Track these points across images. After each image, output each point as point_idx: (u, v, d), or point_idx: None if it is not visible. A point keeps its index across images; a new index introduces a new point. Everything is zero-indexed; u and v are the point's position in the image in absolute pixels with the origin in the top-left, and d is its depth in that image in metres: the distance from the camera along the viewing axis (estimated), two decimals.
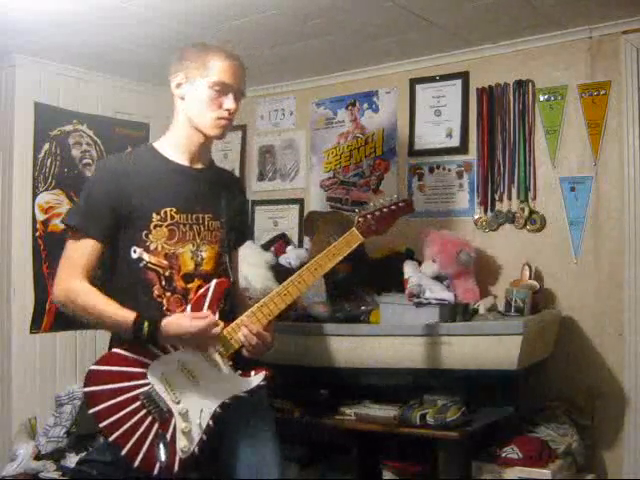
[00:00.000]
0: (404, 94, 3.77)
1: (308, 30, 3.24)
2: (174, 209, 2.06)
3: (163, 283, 2.03)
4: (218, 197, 2.15)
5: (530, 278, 3.21)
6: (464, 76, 3.58)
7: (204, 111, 2.09)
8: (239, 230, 2.26)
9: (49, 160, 3.76)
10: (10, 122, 3.62)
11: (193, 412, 1.97)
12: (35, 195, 3.69)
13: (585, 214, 3.25)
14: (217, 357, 2.01)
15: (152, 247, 2.03)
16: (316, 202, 4.03)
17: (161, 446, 1.90)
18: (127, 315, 1.96)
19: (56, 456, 3.48)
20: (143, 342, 1.96)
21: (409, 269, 3.15)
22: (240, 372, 2.03)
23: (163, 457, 1.90)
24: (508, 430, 2.95)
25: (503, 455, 2.82)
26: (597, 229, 3.22)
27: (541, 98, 3.37)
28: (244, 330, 2.01)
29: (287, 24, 3.17)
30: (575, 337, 3.22)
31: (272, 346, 2.09)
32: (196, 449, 1.96)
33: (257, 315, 2.04)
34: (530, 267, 3.24)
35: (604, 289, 3.19)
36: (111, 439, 1.97)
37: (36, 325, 3.68)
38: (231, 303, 2.17)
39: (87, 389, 2.00)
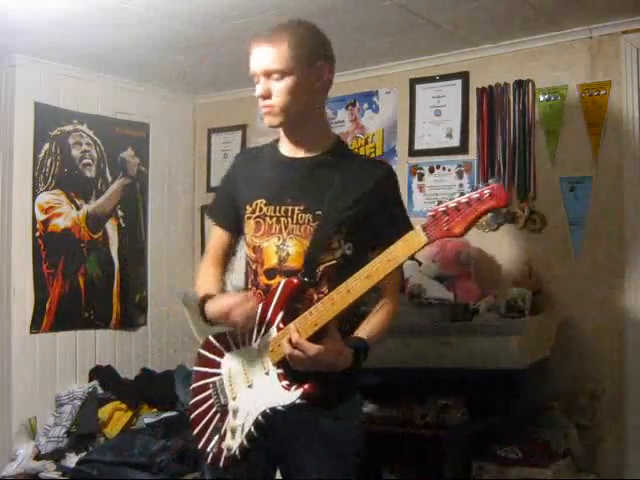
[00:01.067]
0: (404, 94, 3.77)
1: None
2: (264, 201, 1.96)
3: (252, 277, 1.99)
4: (322, 187, 1.91)
5: (530, 278, 3.21)
6: (464, 76, 3.58)
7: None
8: (376, 225, 1.91)
9: (49, 160, 3.76)
10: (10, 122, 3.62)
11: (241, 413, 1.90)
12: (35, 195, 3.69)
13: (585, 214, 3.25)
14: (268, 362, 1.87)
15: (247, 240, 2.00)
16: None
17: (215, 438, 1.90)
18: (202, 293, 1.97)
19: (56, 456, 3.48)
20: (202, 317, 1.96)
21: (409, 269, 3.15)
22: (285, 383, 1.83)
23: (212, 449, 1.89)
24: (508, 430, 2.95)
25: (503, 455, 2.82)
26: (597, 229, 3.22)
27: (541, 98, 3.37)
28: (285, 338, 1.80)
29: None
30: (575, 337, 3.22)
31: (330, 361, 1.78)
32: (237, 452, 1.87)
33: (302, 323, 1.79)
34: (530, 267, 3.24)
35: (604, 289, 3.19)
36: (190, 417, 2.00)
37: (36, 325, 3.68)
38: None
39: (192, 368, 2.09)
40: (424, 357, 2.87)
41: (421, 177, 3.71)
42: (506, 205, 1.63)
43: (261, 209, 1.95)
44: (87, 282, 3.91)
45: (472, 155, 3.55)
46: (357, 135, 3.93)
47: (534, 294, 3.10)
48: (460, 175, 3.58)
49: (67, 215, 3.83)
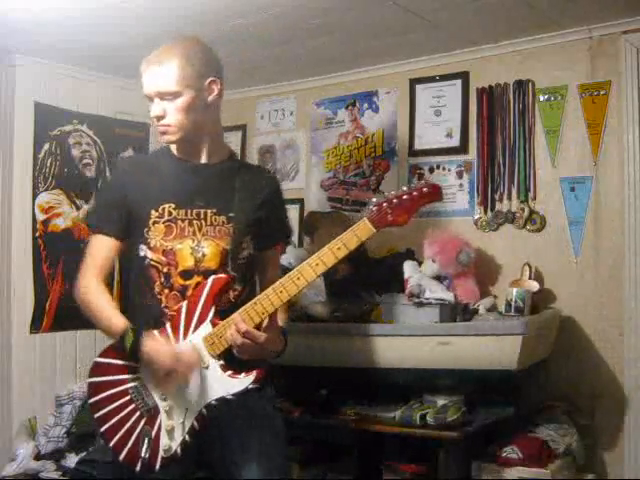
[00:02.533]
0: (404, 94, 3.77)
1: (308, 30, 3.24)
2: (172, 205, 2.03)
3: (162, 280, 2.02)
4: (230, 192, 2.06)
5: (530, 278, 3.21)
6: (464, 76, 3.58)
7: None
8: (269, 228, 2.14)
9: (49, 160, 3.76)
10: (10, 122, 3.61)
11: (178, 411, 1.94)
12: (35, 195, 3.69)
13: (585, 214, 3.24)
14: (206, 356, 1.94)
15: (152, 244, 2.03)
16: (316, 202, 4.03)
17: (145, 442, 1.90)
18: (116, 323, 1.97)
19: (56, 456, 3.48)
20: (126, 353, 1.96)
21: (409, 269, 3.15)
22: (230, 373, 1.92)
23: (144, 453, 1.89)
24: (508, 430, 2.95)
25: (503, 455, 2.82)
26: (597, 229, 3.22)
27: (541, 98, 3.37)
28: (232, 328, 1.90)
29: (287, 24, 3.17)
30: (575, 337, 3.22)
31: (272, 348, 1.96)
32: (179, 449, 1.92)
33: (249, 313, 1.90)
34: (530, 267, 3.23)
35: (604, 289, 3.19)
36: (101, 430, 1.99)
37: (36, 325, 3.68)
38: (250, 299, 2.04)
39: (88, 380, 2.05)
40: (424, 357, 2.87)
41: (421, 177, 3.70)
42: (441, 199, 1.89)
43: (170, 213, 2.03)
44: None
45: (472, 155, 3.55)
46: (357, 135, 3.93)
47: (534, 294, 3.10)
48: (460, 175, 3.58)
49: (67, 215, 3.82)
